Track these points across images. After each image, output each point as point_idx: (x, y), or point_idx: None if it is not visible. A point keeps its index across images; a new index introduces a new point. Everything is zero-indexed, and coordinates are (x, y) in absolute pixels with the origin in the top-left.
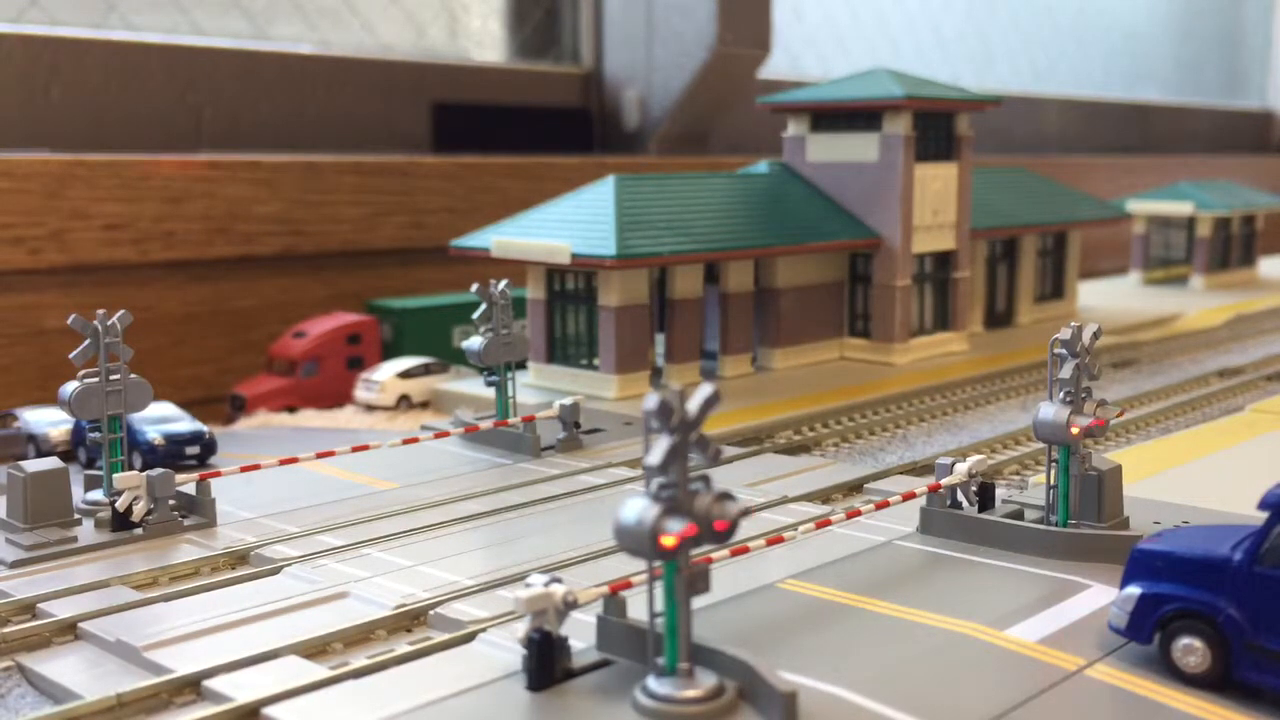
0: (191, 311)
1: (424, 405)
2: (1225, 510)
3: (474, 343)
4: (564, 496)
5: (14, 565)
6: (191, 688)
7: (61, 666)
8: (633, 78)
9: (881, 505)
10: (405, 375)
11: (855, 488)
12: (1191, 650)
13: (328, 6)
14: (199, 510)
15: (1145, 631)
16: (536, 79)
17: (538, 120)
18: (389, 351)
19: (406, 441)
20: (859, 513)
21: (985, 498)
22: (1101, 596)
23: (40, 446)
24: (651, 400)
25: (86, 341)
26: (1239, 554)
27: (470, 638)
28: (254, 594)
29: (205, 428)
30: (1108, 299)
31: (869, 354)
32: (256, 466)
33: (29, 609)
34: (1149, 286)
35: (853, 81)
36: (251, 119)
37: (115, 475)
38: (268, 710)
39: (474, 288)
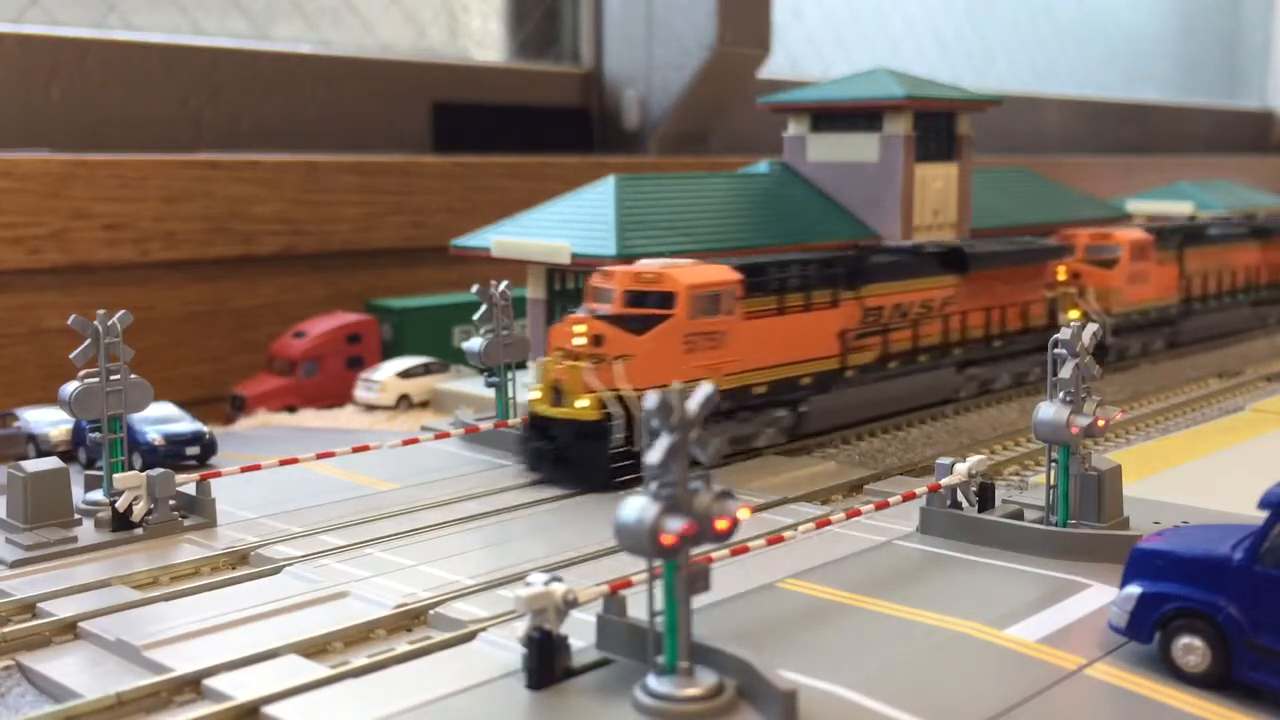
0: (191, 311)
1: (424, 405)
2: (1225, 510)
3: (474, 343)
4: (564, 497)
5: (14, 565)
6: (191, 686)
7: (61, 666)
8: (633, 78)
9: (881, 505)
10: (405, 375)
11: (855, 488)
12: (1191, 649)
13: (328, 6)
14: (199, 510)
15: (1145, 631)
16: (536, 79)
17: (538, 120)
18: (389, 351)
19: (407, 442)
20: (859, 513)
21: (985, 498)
22: (1101, 596)
23: (40, 446)
24: (651, 399)
25: (86, 341)
26: (1239, 553)
27: (470, 637)
28: (254, 594)
29: (205, 428)
30: None
31: None
32: (257, 466)
33: (29, 608)
34: None
35: (853, 81)
36: (251, 119)
37: (115, 475)
38: (268, 709)
39: (474, 288)
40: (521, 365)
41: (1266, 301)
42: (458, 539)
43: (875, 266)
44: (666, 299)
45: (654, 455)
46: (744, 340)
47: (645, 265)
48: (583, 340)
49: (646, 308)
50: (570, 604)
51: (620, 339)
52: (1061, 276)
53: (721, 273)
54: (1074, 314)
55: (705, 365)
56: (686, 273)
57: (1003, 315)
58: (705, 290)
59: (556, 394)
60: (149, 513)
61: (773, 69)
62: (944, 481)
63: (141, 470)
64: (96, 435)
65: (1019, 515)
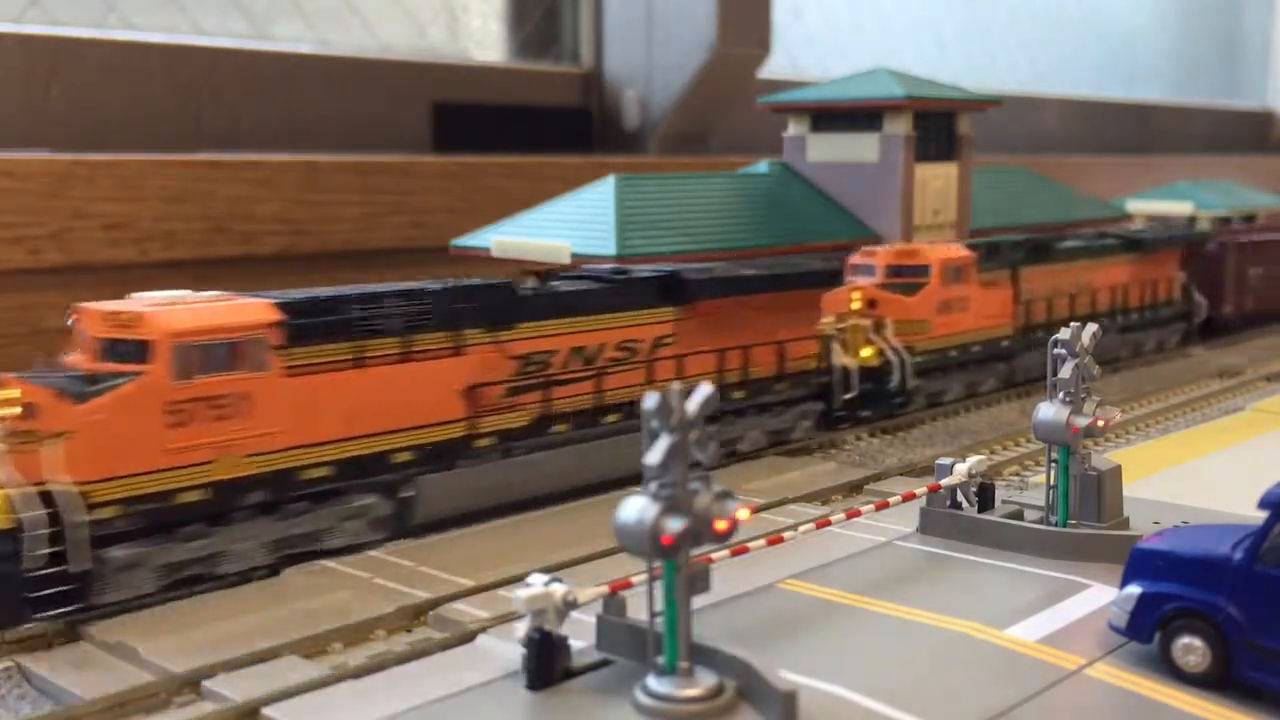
0: None
1: None
2: (1225, 510)
3: None
4: (564, 497)
5: None
6: (191, 687)
7: (62, 666)
8: (633, 78)
9: (881, 505)
10: None
11: (855, 488)
12: (1191, 649)
13: (328, 6)
14: None
15: (1145, 631)
16: (536, 79)
17: (538, 120)
18: None
19: None
20: (859, 513)
21: (985, 498)
22: (1101, 596)
23: None
24: (651, 399)
25: None
26: (1239, 553)
27: (470, 637)
28: (254, 594)
29: None
30: None
31: None
32: None
33: None
34: None
35: (853, 81)
36: (251, 119)
37: None
38: (267, 710)
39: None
40: None
41: (1139, 326)
42: (458, 539)
43: (530, 300)
44: (140, 351)
45: (654, 455)
46: (286, 405)
47: (137, 299)
48: (14, 410)
49: (117, 362)
50: (570, 604)
51: (58, 409)
52: (855, 305)
53: (245, 313)
54: (866, 352)
55: (211, 443)
56: (179, 314)
57: (746, 358)
58: (205, 338)
59: None
60: None
61: (773, 69)
62: (944, 481)
63: None
64: None
65: (1019, 515)
